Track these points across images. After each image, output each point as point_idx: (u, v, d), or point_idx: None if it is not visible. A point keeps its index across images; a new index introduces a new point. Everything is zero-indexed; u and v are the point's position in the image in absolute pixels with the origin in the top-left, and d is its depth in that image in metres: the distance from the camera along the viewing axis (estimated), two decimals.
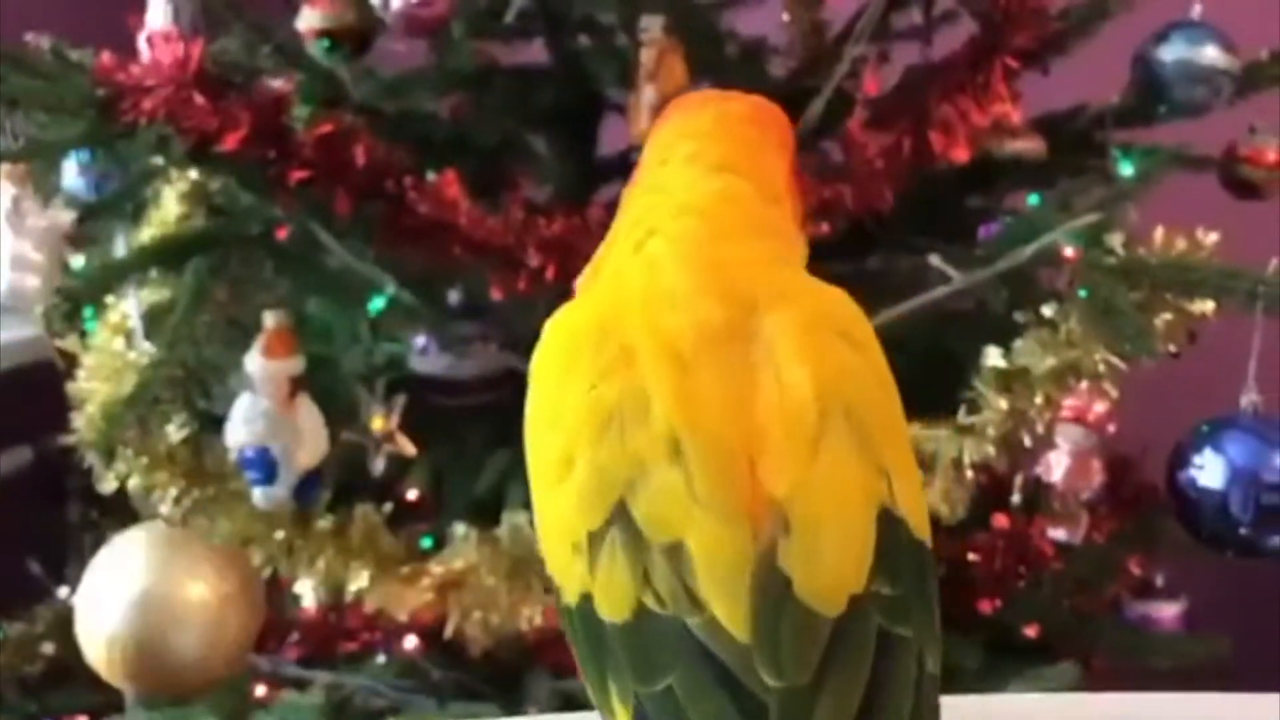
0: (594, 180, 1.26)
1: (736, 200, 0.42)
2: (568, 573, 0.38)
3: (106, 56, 0.89)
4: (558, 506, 0.38)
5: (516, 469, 1.14)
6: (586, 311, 0.42)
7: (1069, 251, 0.94)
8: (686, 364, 0.38)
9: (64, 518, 1.45)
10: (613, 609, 0.36)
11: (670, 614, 0.36)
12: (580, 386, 0.39)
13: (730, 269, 0.40)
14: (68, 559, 1.38)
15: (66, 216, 0.84)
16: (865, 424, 0.38)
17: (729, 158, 0.43)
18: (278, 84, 0.89)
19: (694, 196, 0.42)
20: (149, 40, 0.89)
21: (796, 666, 0.35)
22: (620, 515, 0.37)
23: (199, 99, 0.84)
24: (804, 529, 0.36)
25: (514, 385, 1.09)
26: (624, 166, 1.21)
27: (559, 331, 0.42)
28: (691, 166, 0.43)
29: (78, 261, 0.92)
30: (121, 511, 1.16)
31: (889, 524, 0.37)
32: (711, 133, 0.44)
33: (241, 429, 0.90)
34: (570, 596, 0.38)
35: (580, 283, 0.45)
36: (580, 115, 1.20)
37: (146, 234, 0.92)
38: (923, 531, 0.39)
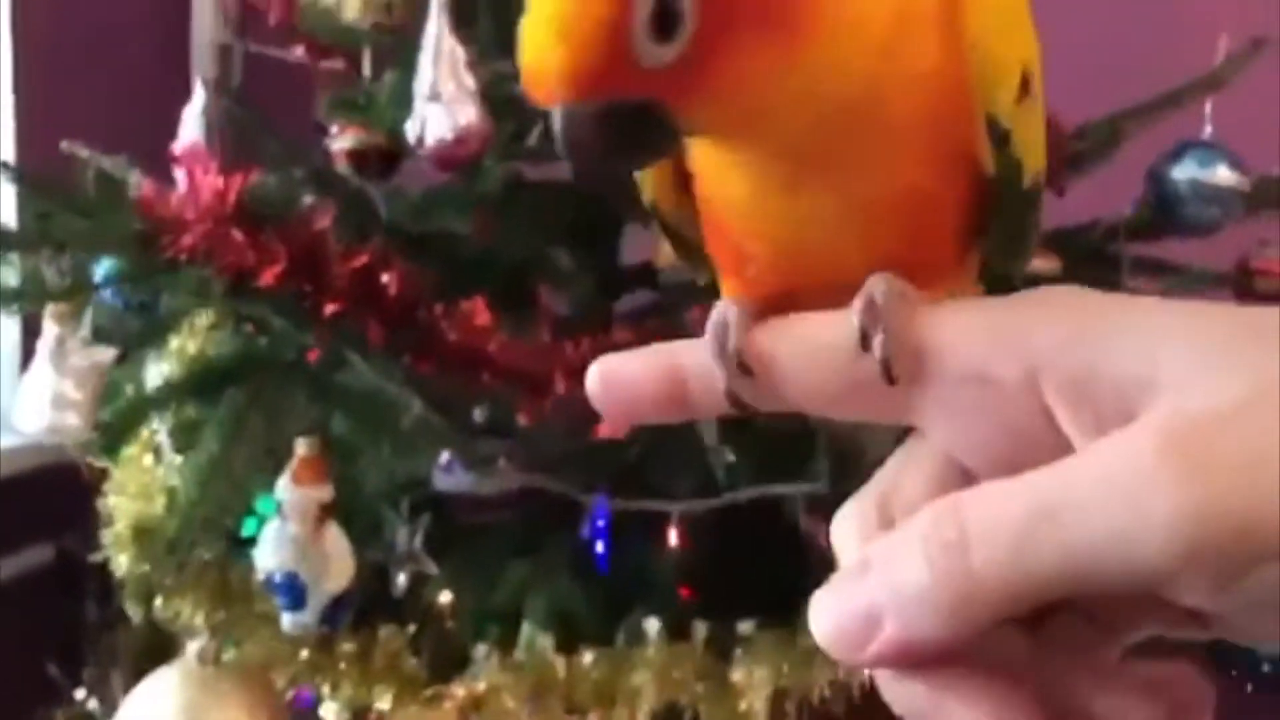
0: (616, 289, 1.28)
1: None
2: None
3: (148, 187, 0.91)
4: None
5: (536, 581, 1.15)
6: None
7: None
8: None
9: (82, 615, 1.45)
10: None
11: None
12: None
13: None
14: (85, 659, 1.39)
15: (107, 354, 0.86)
16: None
17: None
18: (314, 216, 0.91)
19: None
20: (188, 173, 0.91)
21: None
22: None
23: (237, 235, 0.86)
24: None
25: (535, 502, 1.11)
26: (645, 276, 1.24)
27: None
28: None
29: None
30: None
31: None
32: None
33: (271, 555, 0.91)
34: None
35: None
36: (603, 228, 1.22)
37: (180, 362, 0.93)
38: None
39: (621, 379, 0.31)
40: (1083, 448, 0.26)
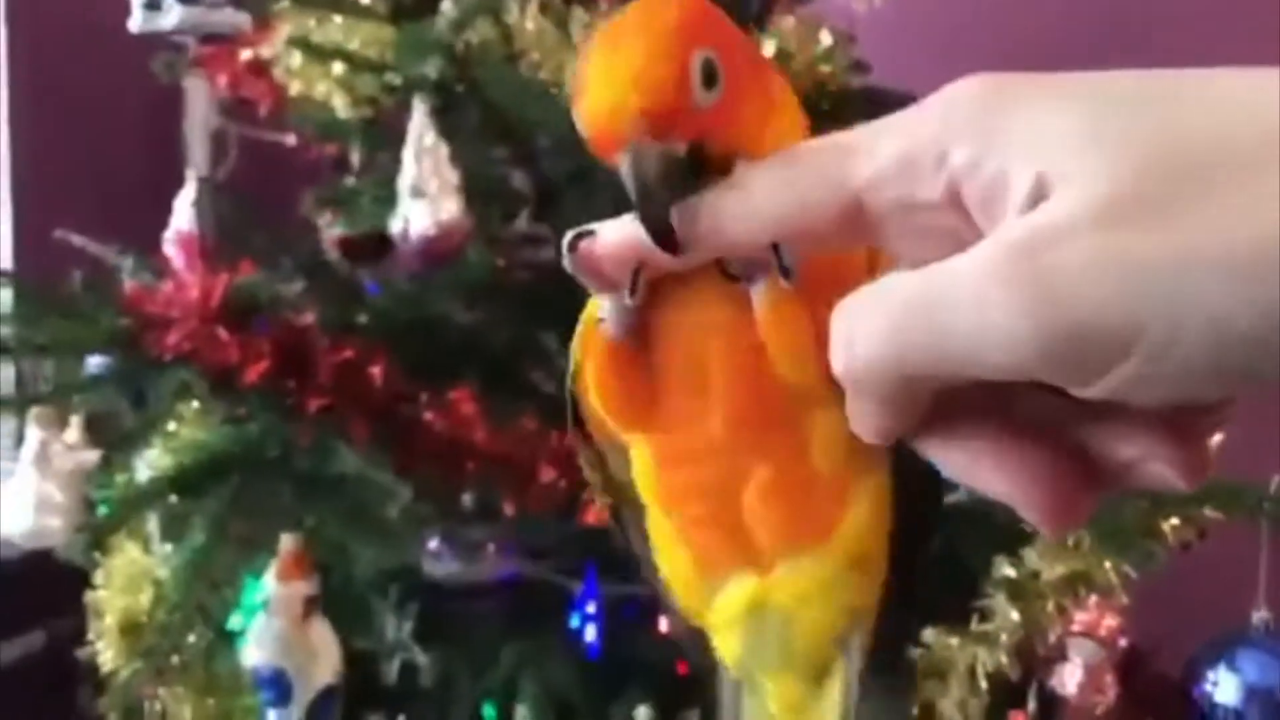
0: None
1: None
2: None
3: (134, 285, 0.91)
4: None
5: (529, 665, 1.14)
6: None
7: None
8: None
9: (75, 702, 1.44)
10: None
11: None
12: None
13: None
14: None
15: (91, 457, 0.86)
16: None
17: None
18: (300, 311, 0.91)
19: None
20: (175, 269, 0.92)
21: None
22: None
23: (222, 333, 0.86)
24: None
25: (524, 589, 1.10)
26: None
27: None
28: None
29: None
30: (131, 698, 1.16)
31: None
32: None
33: (256, 649, 0.90)
34: None
35: None
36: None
37: (170, 454, 0.93)
38: None
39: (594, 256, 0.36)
40: None
